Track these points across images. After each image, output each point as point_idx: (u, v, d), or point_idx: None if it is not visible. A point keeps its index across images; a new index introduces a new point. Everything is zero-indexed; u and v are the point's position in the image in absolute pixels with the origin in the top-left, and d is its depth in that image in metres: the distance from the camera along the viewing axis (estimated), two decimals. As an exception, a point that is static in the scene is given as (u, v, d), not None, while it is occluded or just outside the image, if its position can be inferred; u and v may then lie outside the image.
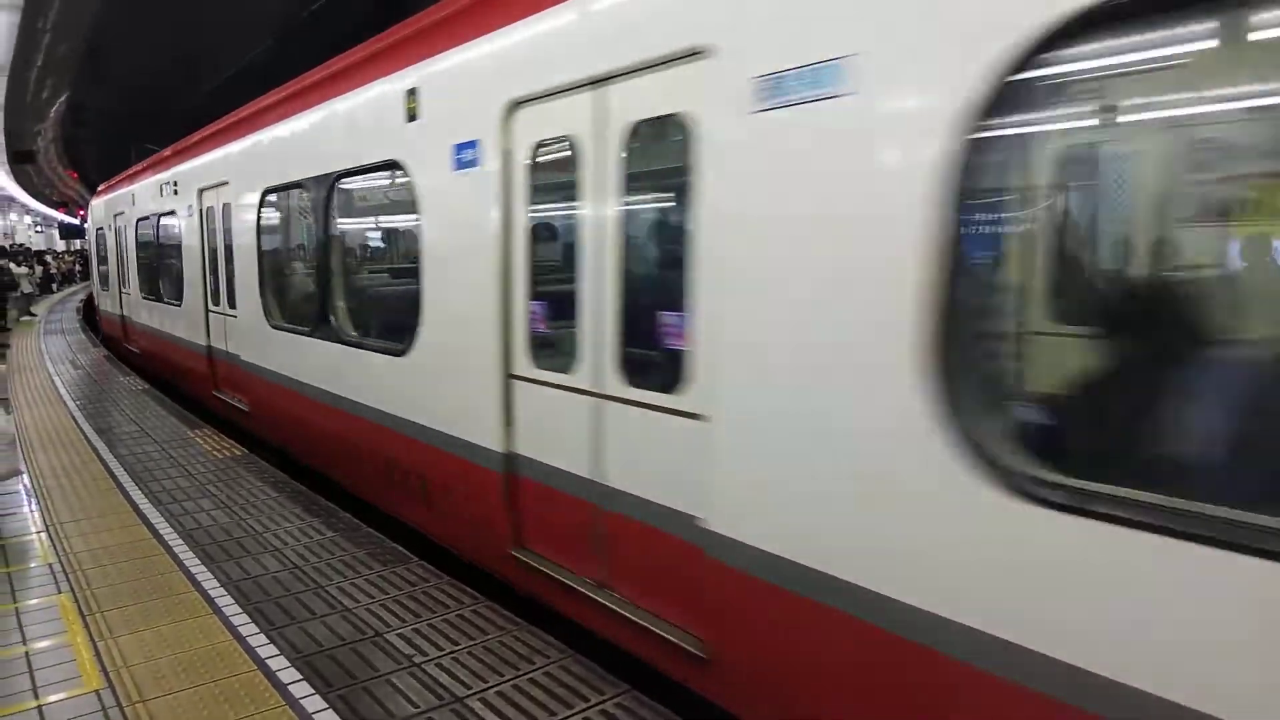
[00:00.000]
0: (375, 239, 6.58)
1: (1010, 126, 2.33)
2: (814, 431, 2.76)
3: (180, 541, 5.30)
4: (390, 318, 5.75)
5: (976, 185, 2.33)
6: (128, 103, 24.61)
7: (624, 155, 3.55)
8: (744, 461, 3.02)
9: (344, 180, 6.02)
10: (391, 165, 5.29)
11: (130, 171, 14.02)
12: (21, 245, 40.55)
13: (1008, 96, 2.22)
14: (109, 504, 6.11)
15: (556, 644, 3.90)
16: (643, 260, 3.71)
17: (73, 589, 4.58)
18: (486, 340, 4.36)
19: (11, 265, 22.27)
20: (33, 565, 4.98)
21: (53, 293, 31.95)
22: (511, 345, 4.25)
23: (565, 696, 3.45)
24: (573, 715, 3.32)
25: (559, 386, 3.96)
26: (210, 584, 4.63)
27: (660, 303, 3.40)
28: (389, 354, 5.41)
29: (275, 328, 7.33)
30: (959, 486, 2.32)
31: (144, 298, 12.63)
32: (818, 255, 2.72)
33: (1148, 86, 2.42)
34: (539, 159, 4.07)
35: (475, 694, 3.48)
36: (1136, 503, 2.03)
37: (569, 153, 3.84)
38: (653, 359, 3.49)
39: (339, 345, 6.12)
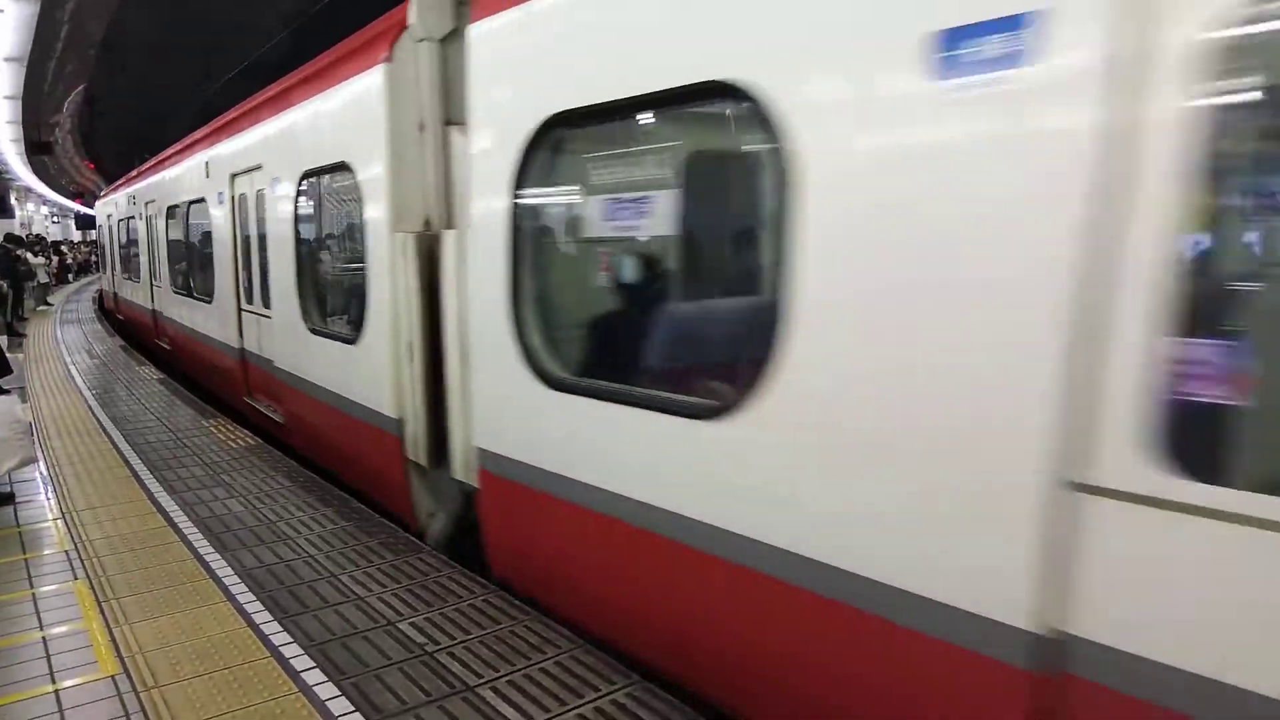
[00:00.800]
0: (200, 238, 10.59)
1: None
2: (284, 320, 7.01)
3: (195, 530, 5.34)
4: (205, 282, 10.15)
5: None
6: (144, 94, 24.72)
7: (257, 204, 7.79)
8: (274, 332, 7.42)
9: (192, 205, 10.57)
10: (201, 199, 9.82)
11: (115, 184, 19.16)
12: (38, 235, 40.81)
13: (304, 186, 6.54)
14: (124, 492, 6.16)
15: (568, 635, 3.91)
16: (261, 252, 7.77)
17: (88, 576, 4.63)
18: (231, 291, 8.80)
19: (29, 255, 22.40)
20: (49, 552, 5.03)
21: (68, 283, 32.19)
22: (239, 294, 8.68)
23: (576, 686, 3.46)
24: (583, 705, 3.33)
25: (252, 312, 8.30)
26: (224, 572, 4.67)
27: (268, 271, 7.49)
28: (205, 303, 10.03)
29: (175, 292, 12.01)
30: (306, 332, 6.53)
31: (123, 278, 17.54)
32: (273, 248, 7.15)
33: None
34: (238, 200, 8.48)
35: (486, 683, 3.49)
36: (321, 326, 6.43)
37: (244, 199, 8.28)
38: (265, 295, 7.72)
39: (192, 299, 10.88)
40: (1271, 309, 2.12)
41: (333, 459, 6.57)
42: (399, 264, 4.86)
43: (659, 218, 3.50)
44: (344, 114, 5.57)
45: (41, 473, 6.56)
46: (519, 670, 3.59)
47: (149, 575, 4.63)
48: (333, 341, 6.07)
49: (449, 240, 4.49)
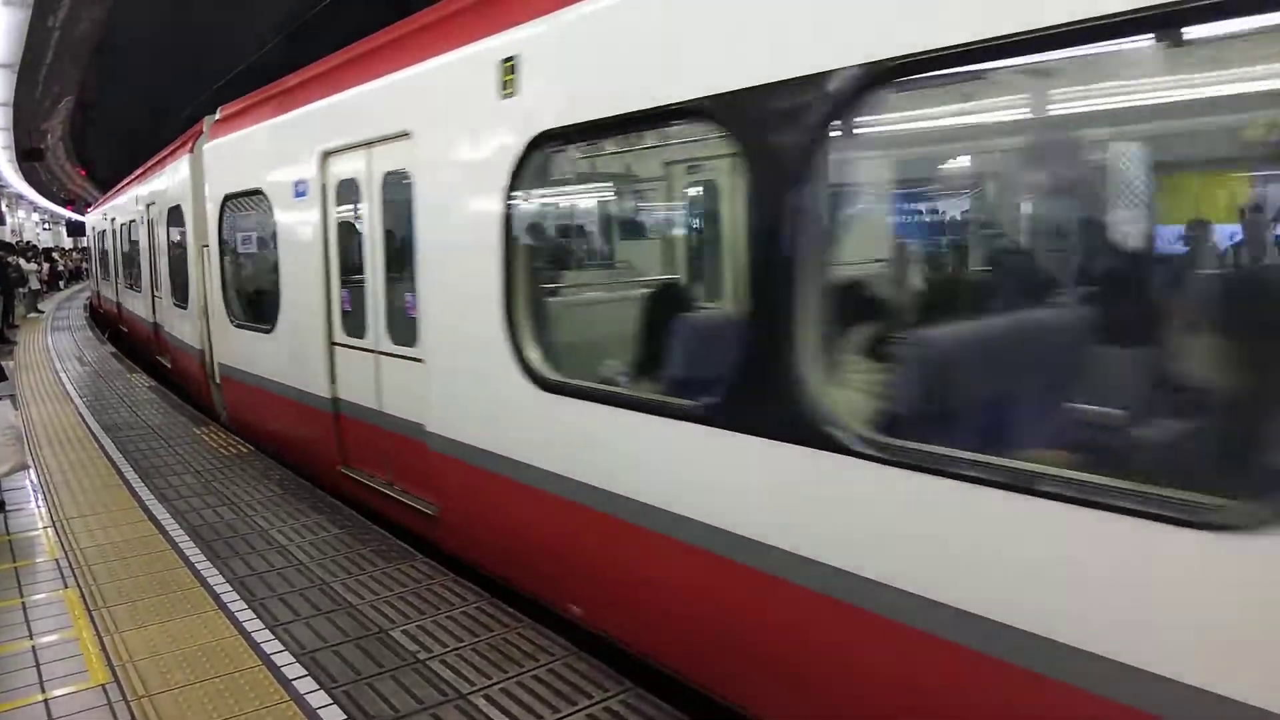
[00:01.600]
0: (138, 246, 13.79)
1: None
2: (167, 299, 11.29)
3: (186, 538, 5.32)
4: (140, 277, 13.67)
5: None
6: (136, 99, 24.67)
7: (155, 224, 11.83)
8: (164, 308, 11.79)
9: (132, 222, 14.22)
10: (134, 219, 13.79)
11: (99, 201, 23.70)
12: (29, 242, 40.60)
13: (169, 216, 11.00)
14: (115, 500, 6.14)
15: (561, 642, 3.91)
16: (159, 255, 11.71)
17: (79, 584, 4.61)
18: (149, 282, 12.69)
19: (21, 261, 22.32)
20: (40, 560, 5.01)
21: (59, 289, 32.03)
22: (153, 284, 12.39)
23: (568, 693, 3.46)
24: (576, 712, 3.32)
25: (158, 296, 12.05)
26: (216, 580, 4.65)
27: (161, 267, 11.80)
28: (138, 292, 13.88)
29: (127, 286, 15.98)
30: (173, 304, 10.95)
31: (102, 279, 21.45)
32: (160, 252, 11.63)
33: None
34: (148, 221, 12.42)
35: (479, 690, 3.49)
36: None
37: (152, 221, 12.19)
38: (162, 284, 11.87)
39: (134, 290, 14.63)
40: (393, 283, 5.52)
41: (184, 383, 10.72)
42: (197, 262, 9.09)
43: (255, 244, 8.17)
44: (176, 179, 10.04)
45: (32, 480, 6.53)
46: (512, 678, 3.59)
47: (140, 583, 4.61)
48: (179, 308, 10.29)
49: (207, 250, 8.66)
